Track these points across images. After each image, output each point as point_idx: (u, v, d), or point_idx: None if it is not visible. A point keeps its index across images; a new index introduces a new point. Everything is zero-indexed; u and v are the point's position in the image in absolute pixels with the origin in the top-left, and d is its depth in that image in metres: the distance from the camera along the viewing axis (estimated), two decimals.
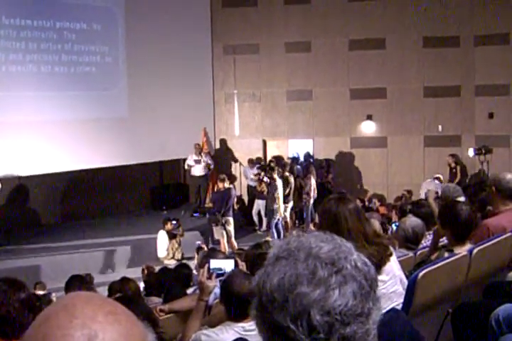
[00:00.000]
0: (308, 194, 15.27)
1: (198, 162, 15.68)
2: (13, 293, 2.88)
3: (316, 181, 16.02)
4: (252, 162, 16.60)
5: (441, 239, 5.08)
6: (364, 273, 1.28)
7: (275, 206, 14.09)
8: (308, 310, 1.22)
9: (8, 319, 2.80)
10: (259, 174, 15.13)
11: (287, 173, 14.99)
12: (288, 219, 14.85)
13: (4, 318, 2.81)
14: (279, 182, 14.19)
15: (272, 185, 14.16)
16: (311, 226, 14.31)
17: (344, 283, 1.24)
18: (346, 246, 1.32)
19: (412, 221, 6.10)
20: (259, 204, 15.32)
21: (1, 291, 2.88)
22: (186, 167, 16.00)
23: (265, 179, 14.61)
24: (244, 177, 16.91)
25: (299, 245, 1.31)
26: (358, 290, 1.25)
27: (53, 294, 8.01)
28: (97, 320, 0.99)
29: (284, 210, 14.59)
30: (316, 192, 15.37)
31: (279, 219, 14.30)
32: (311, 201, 15.37)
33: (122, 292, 6.47)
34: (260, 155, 17.33)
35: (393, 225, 9.64)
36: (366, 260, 1.32)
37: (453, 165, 16.07)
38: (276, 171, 14.32)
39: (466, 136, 16.54)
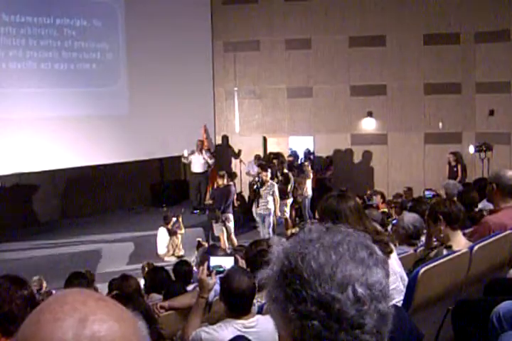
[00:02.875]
0: (301, 194, 15.26)
1: (192, 153, 15.58)
2: (16, 290, 2.89)
3: (316, 177, 16.02)
4: (258, 158, 16.53)
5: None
6: (386, 261, 1.38)
7: (270, 207, 13.76)
8: (352, 282, 1.28)
9: (11, 316, 2.81)
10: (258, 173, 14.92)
11: (286, 170, 14.97)
12: (287, 216, 14.82)
13: (7, 315, 2.81)
14: (274, 184, 13.88)
15: (268, 186, 13.73)
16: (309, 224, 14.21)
17: (376, 264, 1.33)
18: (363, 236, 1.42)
19: (409, 217, 6.14)
20: None
21: (3, 288, 2.89)
22: (183, 160, 15.91)
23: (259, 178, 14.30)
24: (245, 173, 16.76)
25: (327, 231, 1.39)
26: (385, 273, 1.34)
27: (53, 291, 8.01)
28: (87, 305, 1.02)
29: (285, 206, 14.60)
30: (307, 190, 15.32)
31: (271, 222, 13.92)
32: (306, 200, 15.37)
33: (122, 289, 6.48)
34: (260, 152, 17.31)
35: (392, 222, 9.65)
36: None
37: (453, 163, 16.07)
38: (269, 172, 13.88)
39: (467, 133, 16.53)
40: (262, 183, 13.69)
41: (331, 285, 1.28)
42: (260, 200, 13.71)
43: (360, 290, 1.27)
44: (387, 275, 1.36)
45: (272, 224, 13.82)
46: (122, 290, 6.29)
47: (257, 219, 13.92)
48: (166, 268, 7.66)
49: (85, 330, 0.99)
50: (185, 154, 15.59)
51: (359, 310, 1.27)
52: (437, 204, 4.68)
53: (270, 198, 13.68)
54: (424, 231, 6.12)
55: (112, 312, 1.04)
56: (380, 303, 1.29)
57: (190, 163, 15.81)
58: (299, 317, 1.29)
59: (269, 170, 13.99)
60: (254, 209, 15.04)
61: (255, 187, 13.85)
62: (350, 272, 1.29)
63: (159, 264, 9.63)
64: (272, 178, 14.66)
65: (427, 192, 11.02)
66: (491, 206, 5.78)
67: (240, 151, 17.50)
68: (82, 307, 1.02)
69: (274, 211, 13.89)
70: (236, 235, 13.62)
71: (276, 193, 13.73)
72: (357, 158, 17.25)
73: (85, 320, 1.00)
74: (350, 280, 1.28)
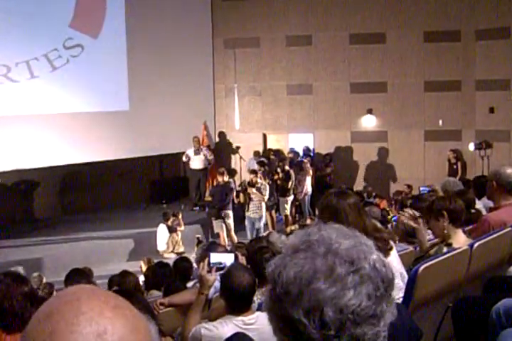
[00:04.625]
0: (301, 191, 15.22)
1: (197, 153, 15.56)
2: (16, 286, 2.90)
3: (315, 174, 16.01)
4: (258, 154, 16.51)
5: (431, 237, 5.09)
6: (382, 275, 1.27)
7: (260, 211, 13.57)
8: (321, 305, 1.22)
9: (11, 312, 2.82)
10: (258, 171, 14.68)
11: (287, 167, 14.96)
12: (288, 213, 14.82)
13: (7, 311, 2.82)
14: (266, 184, 13.69)
15: (260, 189, 13.52)
16: (308, 221, 14.18)
17: (360, 283, 1.24)
18: (367, 244, 1.32)
19: None
20: None
21: (4, 285, 2.90)
22: (184, 159, 15.81)
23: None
24: (247, 170, 16.67)
25: (319, 238, 1.30)
26: (373, 292, 1.24)
27: (54, 285, 8.01)
28: (105, 316, 0.98)
29: (285, 203, 14.59)
30: (306, 188, 15.29)
31: (260, 227, 13.67)
32: (306, 198, 15.35)
33: (121, 285, 6.49)
34: (260, 149, 17.29)
35: (393, 219, 9.66)
36: (385, 260, 1.31)
37: (453, 160, 16.05)
38: (259, 173, 13.77)
39: (467, 130, 16.53)
40: (252, 185, 13.57)
41: (298, 307, 1.23)
42: (251, 204, 13.55)
43: (329, 314, 1.21)
44: (386, 289, 1.26)
45: (261, 229, 13.55)
46: (121, 287, 6.30)
47: (246, 222, 13.65)
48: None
49: None
50: (191, 154, 15.50)
51: (325, 335, 1.22)
52: (442, 201, 4.63)
53: (263, 204, 13.56)
54: (429, 231, 6.13)
55: (129, 323, 1.00)
56: (356, 327, 1.22)
57: (189, 159, 15.78)
58: (275, 330, 1.30)
59: (260, 172, 13.90)
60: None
61: (241, 189, 13.66)
62: (319, 294, 1.22)
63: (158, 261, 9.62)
64: (272, 175, 14.63)
65: (422, 188, 11.03)
66: (491, 204, 5.77)
67: (237, 148, 17.42)
68: (99, 318, 0.97)
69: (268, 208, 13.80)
70: (236, 232, 13.61)
71: (264, 192, 13.49)
72: (357, 155, 17.24)
73: (104, 334, 0.96)
74: (319, 302, 1.22)
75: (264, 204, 13.60)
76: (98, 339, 0.95)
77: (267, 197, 13.65)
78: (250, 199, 13.51)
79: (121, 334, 0.97)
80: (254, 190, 13.42)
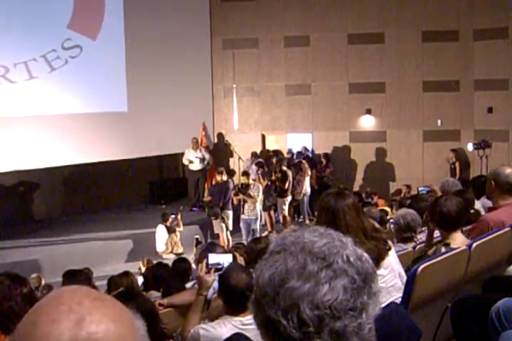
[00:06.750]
0: (300, 192, 15.19)
1: (197, 157, 15.58)
2: (16, 287, 2.90)
3: (315, 175, 15.99)
4: (255, 155, 16.50)
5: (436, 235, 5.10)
6: (357, 268, 1.28)
7: (256, 212, 13.50)
8: (297, 304, 1.23)
9: (11, 314, 2.81)
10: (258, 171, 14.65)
11: (285, 167, 14.94)
12: (286, 214, 14.80)
13: (6, 313, 2.82)
14: (259, 186, 13.63)
15: (252, 189, 13.48)
16: (307, 222, 14.16)
17: (334, 277, 1.25)
18: (341, 240, 1.32)
19: (402, 211, 6.22)
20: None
21: (3, 286, 2.89)
22: (186, 162, 15.80)
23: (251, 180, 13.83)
24: (242, 172, 16.73)
25: (293, 240, 1.32)
26: (349, 285, 1.25)
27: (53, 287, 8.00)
28: (84, 305, 1.01)
29: (283, 204, 14.57)
30: (305, 188, 15.26)
31: (256, 228, 13.60)
32: (305, 198, 15.33)
33: (121, 286, 6.48)
34: (259, 149, 17.27)
35: (391, 221, 9.66)
36: (363, 254, 1.32)
37: (453, 160, 16.04)
38: (252, 174, 13.71)
39: (465, 130, 16.54)
40: (246, 187, 13.53)
41: (276, 307, 1.25)
42: (245, 206, 13.49)
43: (306, 311, 1.22)
44: (364, 281, 1.27)
45: (258, 231, 13.46)
46: (122, 288, 6.29)
47: (241, 224, 13.57)
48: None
49: (82, 332, 0.98)
50: (193, 159, 15.50)
51: (305, 332, 1.23)
52: (433, 206, 4.64)
53: (258, 205, 13.52)
54: (422, 229, 6.16)
55: (109, 311, 1.02)
56: (335, 321, 1.23)
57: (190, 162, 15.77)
58: (262, 335, 1.32)
59: (259, 172, 13.89)
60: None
61: (236, 190, 13.64)
62: (294, 293, 1.24)
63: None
64: (270, 176, 14.61)
65: (420, 188, 11.04)
66: (490, 203, 5.78)
67: (233, 150, 17.29)
68: (78, 307, 1.00)
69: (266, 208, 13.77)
70: (235, 232, 13.58)
71: (257, 193, 13.43)
72: (355, 156, 17.24)
73: (82, 321, 0.99)
74: (295, 301, 1.23)
75: (258, 206, 13.57)
76: (76, 326, 0.98)
77: (260, 198, 13.58)
78: (244, 201, 13.51)
79: (99, 323, 0.99)
80: (242, 196, 13.39)
